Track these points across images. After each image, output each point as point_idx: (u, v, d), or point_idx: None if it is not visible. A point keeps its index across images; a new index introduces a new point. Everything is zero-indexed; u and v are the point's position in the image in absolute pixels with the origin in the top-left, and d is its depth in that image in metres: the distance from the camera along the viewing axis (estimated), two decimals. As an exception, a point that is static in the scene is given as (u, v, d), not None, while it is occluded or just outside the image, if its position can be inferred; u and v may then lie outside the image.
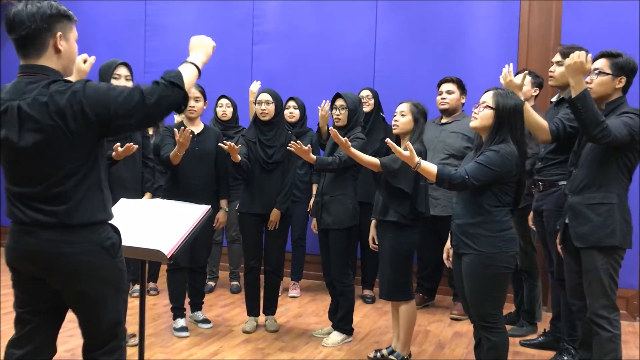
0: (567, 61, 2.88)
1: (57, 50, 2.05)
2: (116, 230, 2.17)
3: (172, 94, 2.03)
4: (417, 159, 2.81)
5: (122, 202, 2.88)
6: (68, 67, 2.12)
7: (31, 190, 2.02)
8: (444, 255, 3.17)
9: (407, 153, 2.81)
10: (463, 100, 4.68)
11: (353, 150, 3.44)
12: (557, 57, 3.69)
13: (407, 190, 3.39)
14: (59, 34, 2.05)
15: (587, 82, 3.05)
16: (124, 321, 2.25)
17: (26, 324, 2.16)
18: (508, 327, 3.32)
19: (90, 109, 1.97)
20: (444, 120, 4.68)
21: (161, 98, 2.01)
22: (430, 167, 2.82)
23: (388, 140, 2.94)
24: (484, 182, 2.76)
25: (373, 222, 3.68)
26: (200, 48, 2.26)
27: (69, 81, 2.06)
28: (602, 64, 3.02)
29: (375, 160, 3.43)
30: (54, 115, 1.96)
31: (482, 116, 2.87)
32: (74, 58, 2.14)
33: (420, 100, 3.62)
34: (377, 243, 3.67)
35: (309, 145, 3.75)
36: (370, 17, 5.46)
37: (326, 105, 4.51)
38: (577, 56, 2.83)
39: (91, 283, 2.08)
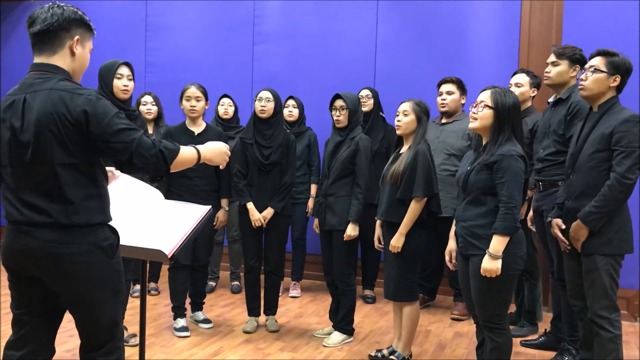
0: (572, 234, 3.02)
1: (73, 53, 2.11)
2: (114, 231, 2.16)
3: (156, 165, 2.08)
4: (495, 264, 2.74)
5: (123, 201, 2.87)
6: (78, 72, 2.17)
7: (29, 187, 2.03)
8: (446, 258, 3.15)
9: (491, 266, 2.75)
10: (463, 101, 4.67)
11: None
12: (552, 58, 3.69)
13: (426, 196, 3.41)
14: (76, 37, 2.12)
15: (581, 79, 3.06)
16: (122, 322, 2.25)
17: (23, 326, 2.15)
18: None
19: (91, 121, 1.99)
20: (444, 121, 4.68)
21: (146, 159, 2.05)
22: (497, 241, 2.73)
23: None
24: (521, 192, 2.78)
25: (378, 222, 3.68)
26: (214, 151, 2.35)
27: (77, 83, 2.10)
28: (598, 61, 3.02)
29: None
30: (56, 112, 1.98)
31: (481, 116, 2.85)
32: (85, 64, 2.19)
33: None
34: (381, 243, 3.66)
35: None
36: (371, 17, 5.46)
37: None
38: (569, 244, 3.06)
39: (88, 284, 2.07)
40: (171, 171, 2.15)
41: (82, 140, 2.02)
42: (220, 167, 2.44)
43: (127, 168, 2.11)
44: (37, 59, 2.11)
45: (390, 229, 3.50)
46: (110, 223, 2.16)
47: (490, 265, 2.74)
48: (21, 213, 2.03)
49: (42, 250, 2.02)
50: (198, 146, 2.27)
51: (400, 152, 3.57)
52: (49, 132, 1.99)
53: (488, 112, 2.84)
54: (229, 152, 2.42)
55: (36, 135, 1.99)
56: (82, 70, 2.18)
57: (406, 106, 3.52)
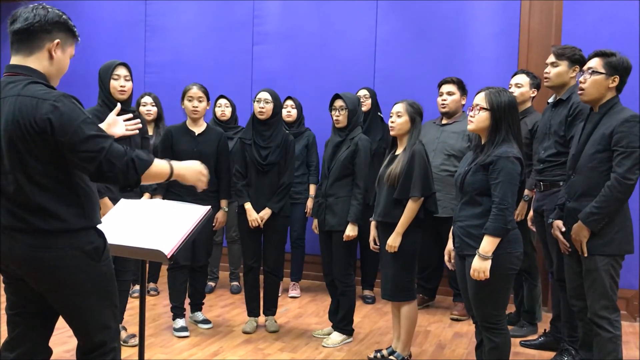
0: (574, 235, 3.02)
1: (51, 56, 2.06)
2: (100, 234, 2.12)
3: (126, 174, 2.00)
4: (483, 264, 2.73)
5: (122, 202, 2.87)
6: (55, 76, 2.12)
7: (5, 194, 1.99)
8: (445, 258, 3.15)
9: (480, 265, 2.74)
10: (463, 102, 4.67)
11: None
12: (551, 58, 3.68)
13: (423, 195, 3.40)
14: (57, 41, 2.07)
15: (580, 82, 3.06)
16: (116, 323, 2.21)
17: (17, 326, 2.14)
18: (508, 327, 3.31)
19: (57, 129, 1.93)
20: (444, 121, 4.68)
21: (115, 168, 1.98)
22: (487, 242, 2.73)
23: None
24: (515, 194, 2.77)
25: (373, 223, 3.68)
26: (189, 170, 2.27)
27: (51, 86, 2.05)
28: (596, 63, 3.01)
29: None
30: (22, 120, 1.93)
31: (478, 119, 2.86)
32: (63, 69, 2.14)
33: (421, 101, 3.61)
34: (377, 244, 3.66)
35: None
36: (371, 17, 5.46)
37: None
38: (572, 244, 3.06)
39: (73, 288, 2.05)
40: (142, 183, 2.09)
41: (53, 149, 1.96)
42: (197, 188, 2.35)
43: (96, 177, 2.01)
44: (14, 60, 2.06)
45: (386, 229, 3.50)
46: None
47: (479, 265, 2.74)
48: (3, 217, 2.00)
49: (25, 255, 1.99)
50: (173, 162, 2.20)
51: (396, 153, 3.57)
52: (17, 142, 1.94)
53: (484, 115, 2.84)
54: (205, 172, 2.31)
55: (5, 145, 1.95)
56: (59, 75, 2.13)
57: (399, 107, 3.52)
